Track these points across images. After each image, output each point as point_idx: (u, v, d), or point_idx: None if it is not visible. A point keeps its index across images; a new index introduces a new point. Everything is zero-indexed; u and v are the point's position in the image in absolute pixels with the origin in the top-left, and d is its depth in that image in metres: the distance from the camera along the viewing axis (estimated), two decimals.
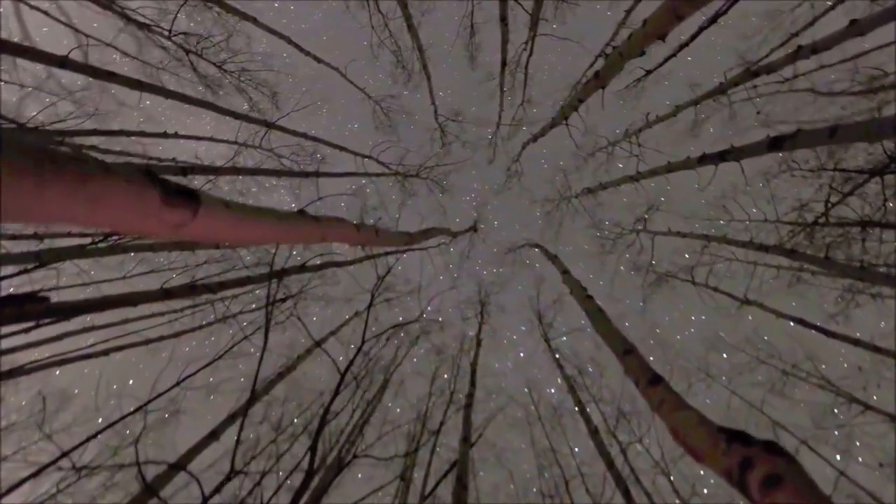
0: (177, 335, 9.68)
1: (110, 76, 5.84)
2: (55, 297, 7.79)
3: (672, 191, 11.24)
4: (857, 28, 5.22)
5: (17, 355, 7.91)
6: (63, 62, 5.20)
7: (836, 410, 9.29)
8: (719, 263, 10.57)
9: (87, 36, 7.96)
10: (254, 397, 5.08)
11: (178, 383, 7.50)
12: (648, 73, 8.33)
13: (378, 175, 12.47)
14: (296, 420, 9.66)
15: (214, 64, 9.35)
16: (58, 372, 8.48)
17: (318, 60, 10.70)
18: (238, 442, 3.55)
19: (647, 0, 9.54)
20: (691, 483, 9.03)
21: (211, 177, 8.51)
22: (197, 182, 8.15)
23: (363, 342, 4.60)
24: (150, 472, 5.83)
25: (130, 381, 11.04)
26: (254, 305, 10.11)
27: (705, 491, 8.94)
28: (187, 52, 8.95)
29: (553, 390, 12.83)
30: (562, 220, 12.82)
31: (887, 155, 5.86)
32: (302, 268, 7.44)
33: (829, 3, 7.83)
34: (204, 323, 9.96)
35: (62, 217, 0.95)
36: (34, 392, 9.63)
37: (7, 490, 5.51)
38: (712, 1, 2.51)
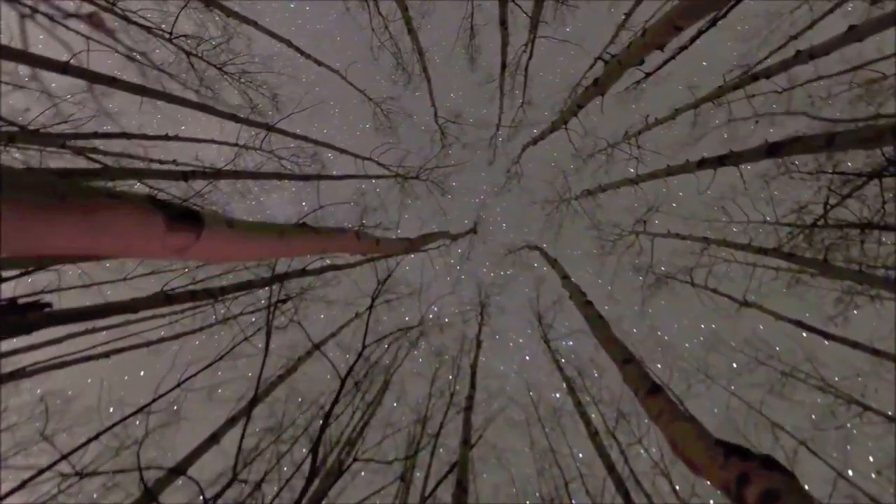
0: (177, 337, 9.69)
1: (112, 82, 5.85)
2: (56, 300, 7.82)
3: (671, 192, 11.28)
4: (855, 34, 5.23)
5: (18, 357, 7.92)
6: (65, 68, 5.21)
7: (833, 412, 9.30)
8: (718, 265, 10.60)
9: (87, 38, 7.96)
10: (255, 400, 5.09)
11: (178, 384, 7.51)
12: (648, 75, 8.33)
13: (378, 177, 12.49)
14: (296, 421, 9.70)
15: (215, 66, 9.38)
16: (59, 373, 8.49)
17: (319, 63, 10.72)
18: (240, 449, 3.57)
19: (647, 2, 9.60)
20: (691, 483, 9.06)
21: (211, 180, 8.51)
22: (197, 185, 8.15)
23: (364, 347, 4.62)
24: (151, 475, 5.86)
25: (131, 383, 11.10)
26: (254, 307, 10.13)
27: (705, 492, 8.96)
28: (188, 54, 8.97)
29: (554, 393, 12.87)
30: (561, 222, 12.85)
31: (885, 158, 5.87)
32: (303, 272, 7.46)
33: (829, 5, 7.84)
34: (205, 325, 9.97)
35: (69, 249, 0.97)
36: (35, 393, 9.68)
37: (7, 493, 5.53)
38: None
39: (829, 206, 6.93)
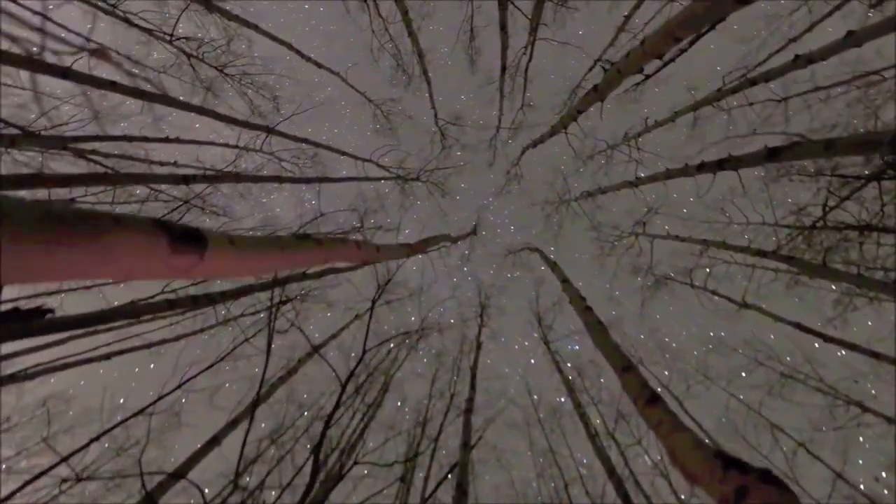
0: (178, 338, 9.71)
1: (113, 86, 5.86)
2: (57, 303, 7.84)
3: (670, 193, 11.29)
4: (853, 39, 5.24)
5: (20, 359, 7.93)
6: (66, 73, 5.23)
7: (832, 413, 9.31)
8: (718, 266, 10.61)
9: (88, 40, 7.97)
10: (257, 403, 5.11)
11: (179, 386, 7.53)
12: (647, 77, 8.33)
13: (379, 179, 12.51)
14: (297, 422, 9.72)
15: (216, 68, 9.40)
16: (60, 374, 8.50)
17: (319, 66, 10.73)
18: (242, 455, 3.59)
19: (647, 3, 9.59)
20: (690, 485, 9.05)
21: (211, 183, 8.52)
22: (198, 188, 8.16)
23: (364, 352, 4.64)
24: (151, 478, 5.87)
25: (132, 384, 11.13)
26: (255, 308, 10.14)
27: (704, 494, 8.95)
28: (188, 56, 8.98)
29: (554, 394, 12.89)
30: (561, 223, 12.86)
31: (884, 161, 5.88)
32: (303, 275, 7.48)
33: (828, 8, 7.85)
34: (206, 326, 9.98)
35: (75, 275, 0.99)
36: (36, 394, 9.70)
37: (8, 495, 5.55)
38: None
39: (827, 208, 6.94)
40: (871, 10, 6.75)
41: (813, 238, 7.71)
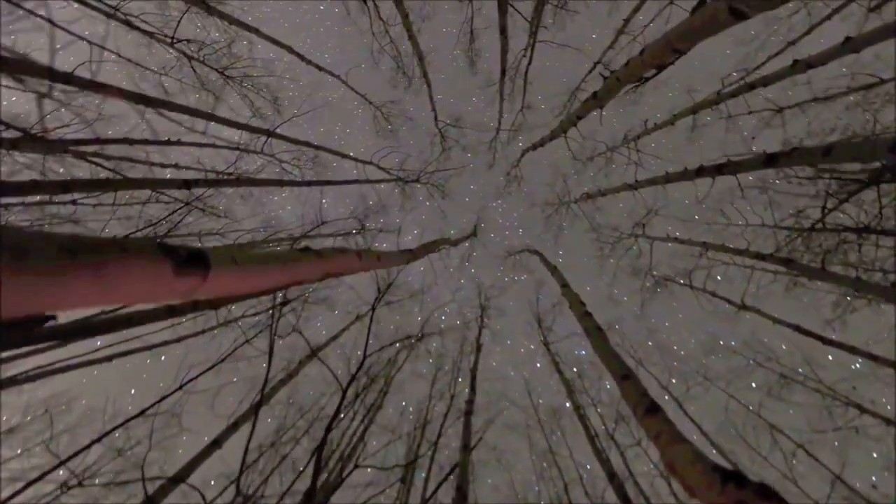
0: (179, 340, 9.73)
1: (116, 92, 5.88)
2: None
3: (670, 194, 11.31)
4: (851, 45, 5.26)
5: (20, 361, 7.94)
6: (68, 78, 5.24)
7: (831, 414, 9.33)
8: (717, 267, 10.62)
9: (90, 43, 7.97)
10: (260, 405, 5.14)
11: (180, 387, 7.55)
12: (646, 79, 8.34)
13: (379, 181, 12.52)
14: (297, 423, 9.75)
15: (217, 70, 9.42)
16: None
17: (320, 68, 10.75)
18: (244, 462, 3.61)
19: (646, 7, 9.60)
20: None
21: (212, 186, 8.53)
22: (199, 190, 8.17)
23: (364, 357, 4.66)
24: (152, 481, 5.89)
25: (133, 385, 11.15)
26: (255, 309, 10.14)
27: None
28: (190, 58, 9.00)
29: (553, 394, 12.91)
30: (561, 225, 12.87)
31: (882, 164, 5.89)
32: None
33: (827, 11, 7.85)
34: (207, 328, 10.00)
35: (80, 304, 1.01)
36: (37, 395, 9.74)
37: (9, 497, 5.57)
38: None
39: (826, 210, 6.96)
40: (870, 13, 6.73)
41: (812, 240, 7.72)
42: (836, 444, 9.25)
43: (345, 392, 4.03)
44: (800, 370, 10.30)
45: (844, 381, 9.38)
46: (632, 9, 9.53)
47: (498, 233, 18.00)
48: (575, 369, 12.23)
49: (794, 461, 9.37)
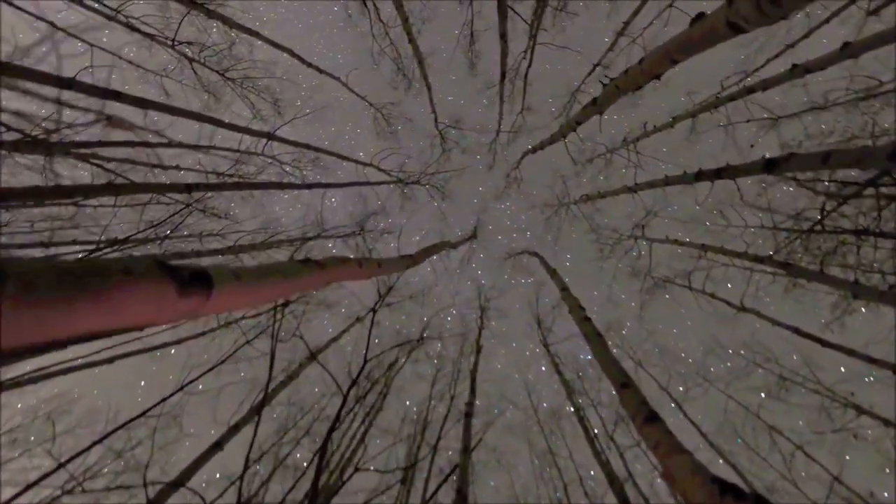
0: (180, 341, 9.75)
1: (117, 96, 5.90)
2: None
3: (669, 196, 11.32)
4: (849, 51, 5.28)
5: (21, 363, 7.94)
6: (71, 84, 5.26)
7: (830, 416, 9.34)
8: (716, 268, 10.62)
9: (91, 45, 7.98)
10: (262, 407, 5.15)
11: (181, 388, 7.56)
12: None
13: (379, 183, 12.54)
14: (298, 423, 9.77)
15: (217, 72, 9.44)
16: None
17: (321, 71, 10.77)
18: (246, 464, 3.63)
19: (646, 9, 9.60)
20: None
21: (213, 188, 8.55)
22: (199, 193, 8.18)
23: (365, 362, 4.68)
24: (152, 481, 5.91)
25: (135, 386, 11.17)
26: (257, 310, 10.16)
27: None
28: (190, 60, 9.02)
29: (553, 395, 12.94)
30: (560, 226, 12.87)
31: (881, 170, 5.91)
32: None
33: (826, 14, 7.86)
34: (207, 329, 10.02)
35: (85, 331, 1.02)
36: (38, 395, 9.76)
37: (10, 498, 5.59)
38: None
39: (825, 213, 6.98)
40: (868, 17, 6.75)
41: (810, 242, 7.74)
42: (835, 445, 9.26)
43: (346, 397, 4.05)
44: (799, 371, 10.31)
45: (844, 383, 9.41)
46: (631, 12, 9.53)
47: (498, 234, 17.99)
48: (579, 374, 12.26)
49: (793, 462, 9.39)
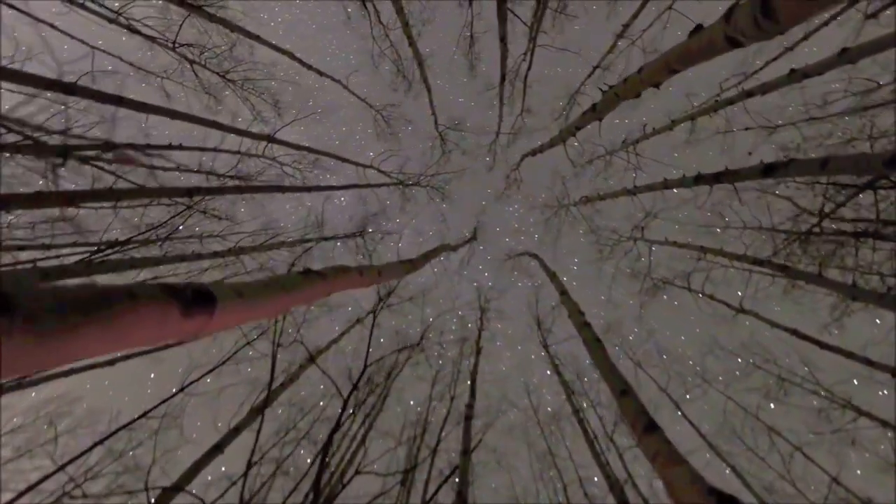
0: (181, 343, 9.75)
1: (119, 101, 5.91)
2: None
3: (668, 198, 11.32)
4: (847, 56, 5.30)
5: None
6: (72, 89, 5.27)
7: (829, 416, 9.36)
8: (716, 269, 10.63)
9: (92, 48, 7.98)
10: (266, 405, 5.18)
11: (182, 389, 7.59)
12: None
13: (379, 185, 12.56)
14: (298, 424, 9.78)
15: (218, 74, 9.46)
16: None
17: (321, 73, 10.78)
18: (248, 466, 3.65)
19: (645, 11, 9.61)
20: None
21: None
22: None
23: (365, 367, 4.70)
24: (152, 482, 5.92)
25: (135, 387, 11.19)
26: None
27: None
28: (191, 62, 9.03)
29: (553, 396, 12.95)
30: (560, 227, 12.88)
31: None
32: None
33: (824, 18, 7.87)
34: None
35: (90, 355, 1.04)
36: (39, 395, 9.77)
37: (11, 500, 5.61)
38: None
39: (824, 214, 7.00)
40: (867, 20, 6.75)
41: (809, 244, 7.75)
42: (834, 446, 9.29)
43: (346, 402, 4.08)
44: (797, 373, 10.34)
45: (842, 384, 9.42)
46: (631, 14, 9.53)
47: (498, 236, 18.02)
48: (578, 376, 12.27)
49: (792, 463, 9.42)
